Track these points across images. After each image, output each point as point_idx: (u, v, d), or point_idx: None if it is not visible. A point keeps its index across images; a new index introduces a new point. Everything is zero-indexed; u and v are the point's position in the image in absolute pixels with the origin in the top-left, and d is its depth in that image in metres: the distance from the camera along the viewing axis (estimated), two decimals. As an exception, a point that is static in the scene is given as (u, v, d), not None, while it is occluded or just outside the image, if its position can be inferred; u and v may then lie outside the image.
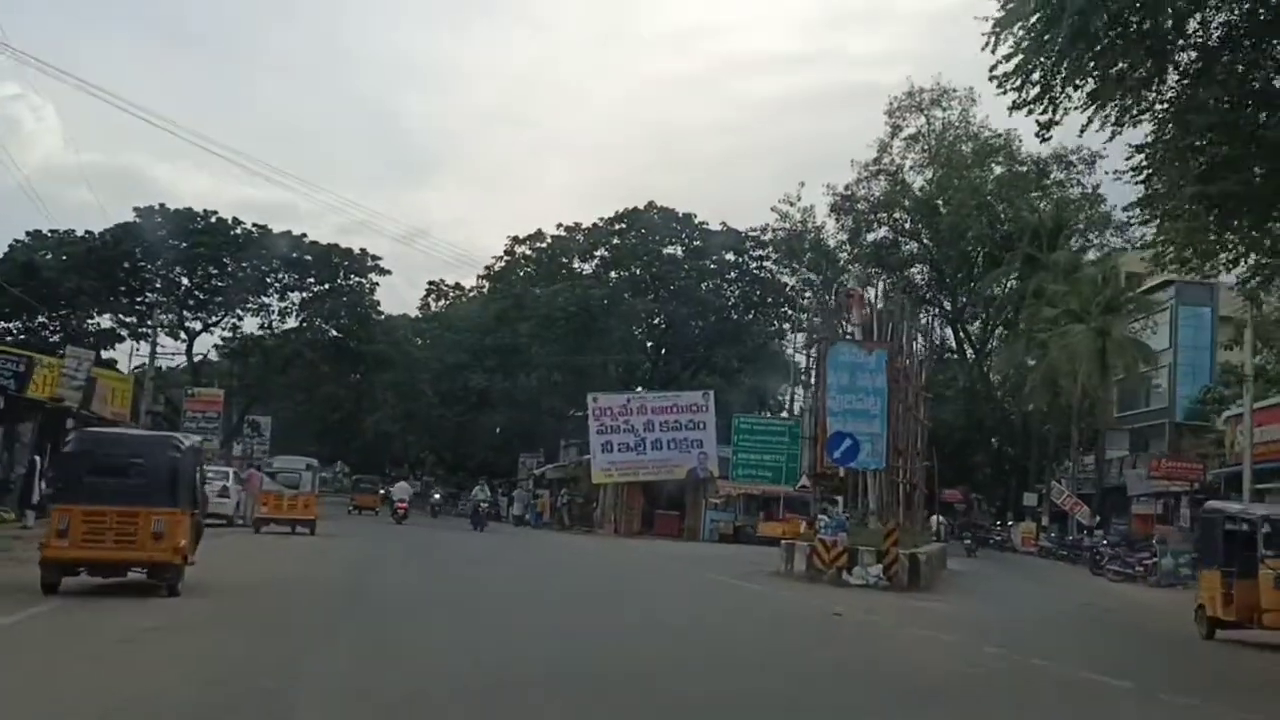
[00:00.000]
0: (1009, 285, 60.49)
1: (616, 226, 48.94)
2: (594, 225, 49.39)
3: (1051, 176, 61.49)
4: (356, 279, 49.33)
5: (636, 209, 48.78)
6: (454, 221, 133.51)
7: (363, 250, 49.03)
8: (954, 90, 64.71)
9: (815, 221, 66.23)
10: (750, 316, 48.50)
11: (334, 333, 50.20)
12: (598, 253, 49.47)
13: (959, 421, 61.17)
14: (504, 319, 54.71)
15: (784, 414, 54.07)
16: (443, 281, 69.55)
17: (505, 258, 50.43)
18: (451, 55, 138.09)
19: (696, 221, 48.56)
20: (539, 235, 49.63)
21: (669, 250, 48.84)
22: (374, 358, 51.02)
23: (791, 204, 60.89)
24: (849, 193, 65.39)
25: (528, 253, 50.34)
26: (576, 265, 50.23)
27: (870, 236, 65.11)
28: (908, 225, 64.49)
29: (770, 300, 49.35)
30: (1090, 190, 59.35)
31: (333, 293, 48.76)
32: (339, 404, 56.10)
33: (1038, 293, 52.86)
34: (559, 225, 49.32)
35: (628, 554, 31.32)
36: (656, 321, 50.15)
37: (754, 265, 49.45)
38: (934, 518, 70.74)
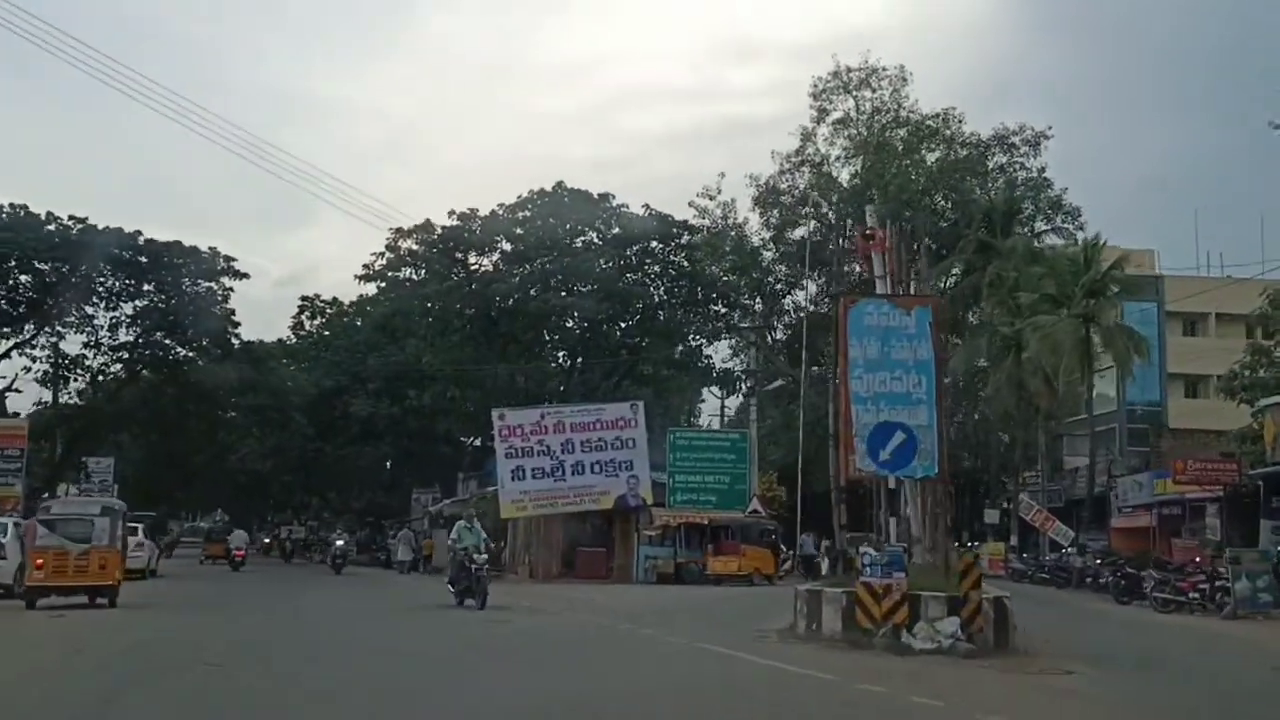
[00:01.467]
0: (952, 279, 54.64)
1: (520, 214, 41.20)
2: (493, 212, 41.67)
3: (992, 160, 55.99)
4: (205, 284, 40.58)
5: (544, 190, 41.22)
6: (337, 260, 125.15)
7: (212, 249, 40.33)
8: (884, 69, 59.32)
9: (737, 217, 59.80)
10: (681, 315, 40.94)
11: (179, 349, 41.31)
12: (499, 244, 41.58)
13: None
14: (388, 329, 46.62)
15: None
16: (318, 297, 60.68)
17: (387, 253, 42.31)
18: (336, 93, 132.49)
19: (615, 204, 41.18)
20: (427, 226, 41.67)
21: (583, 238, 41.18)
22: (231, 380, 42.19)
23: (711, 198, 54.19)
24: (770, 184, 59.34)
25: (414, 247, 42.31)
26: (474, 261, 42.30)
27: (798, 232, 58.83)
28: (833, 219, 58.27)
29: (703, 296, 42.00)
30: (1036, 174, 53.85)
31: (175, 300, 39.87)
32: (193, 439, 46.86)
33: (995, 283, 46.92)
34: (451, 213, 41.57)
35: (553, 612, 23.46)
36: (570, 325, 42.45)
37: (683, 256, 42.28)
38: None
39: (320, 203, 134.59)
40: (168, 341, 40.89)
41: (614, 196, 41.07)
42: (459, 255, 41.59)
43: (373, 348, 50.43)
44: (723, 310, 42.05)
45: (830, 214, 58.17)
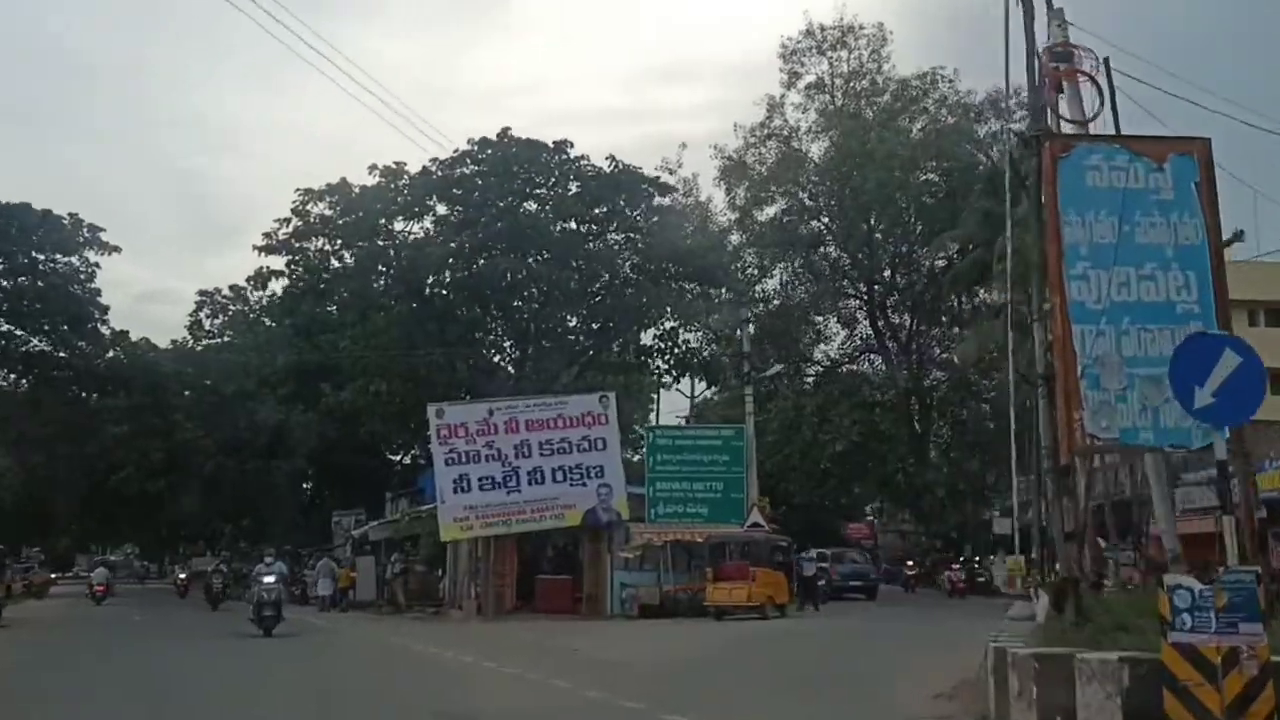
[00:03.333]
0: (952, 256, 48.35)
1: (459, 171, 33.50)
2: (424, 169, 33.91)
3: (985, 128, 49.91)
4: (64, 259, 32.42)
5: (486, 140, 33.55)
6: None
7: (73, 215, 32.13)
8: (861, 28, 53.10)
9: (700, 194, 53.00)
10: (655, 290, 33.55)
11: (33, 339, 33.04)
12: (433, 206, 33.84)
13: (897, 432, 48.39)
14: (298, 316, 38.77)
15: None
16: (218, 292, 52.18)
17: (294, 220, 34.03)
18: (264, 119, 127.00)
19: (573, 156, 33.71)
20: (343, 186, 33.76)
21: (535, 197, 33.50)
22: (106, 378, 34.01)
23: (671, 171, 47.33)
24: (738, 158, 52.65)
25: (326, 212, 34.38)
26: (401, 227, 34.55)
27: (768, 211, 52.21)
28: (807, 200, 51.73)
29: (680, 271, 34.70)
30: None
31: (28, 278, 31.62)
32: (57, 452, 38.27)
33: (1004, 257, 40.48)
34: (372, 168, 33.59)
35: (512, 671, 15.86)
36: (519, 303, 34.73)
37: (654, 221, 34.99)
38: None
39: (249, 224, 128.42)
40: (18, 331, 32.62)
41: (571, 146, 33.89)
42: (383, 221, 33.85)
43: (283, 341, 42.38)
44: (697, 290, 34.90)
45: (803, 195, 51.78)
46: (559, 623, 28.05)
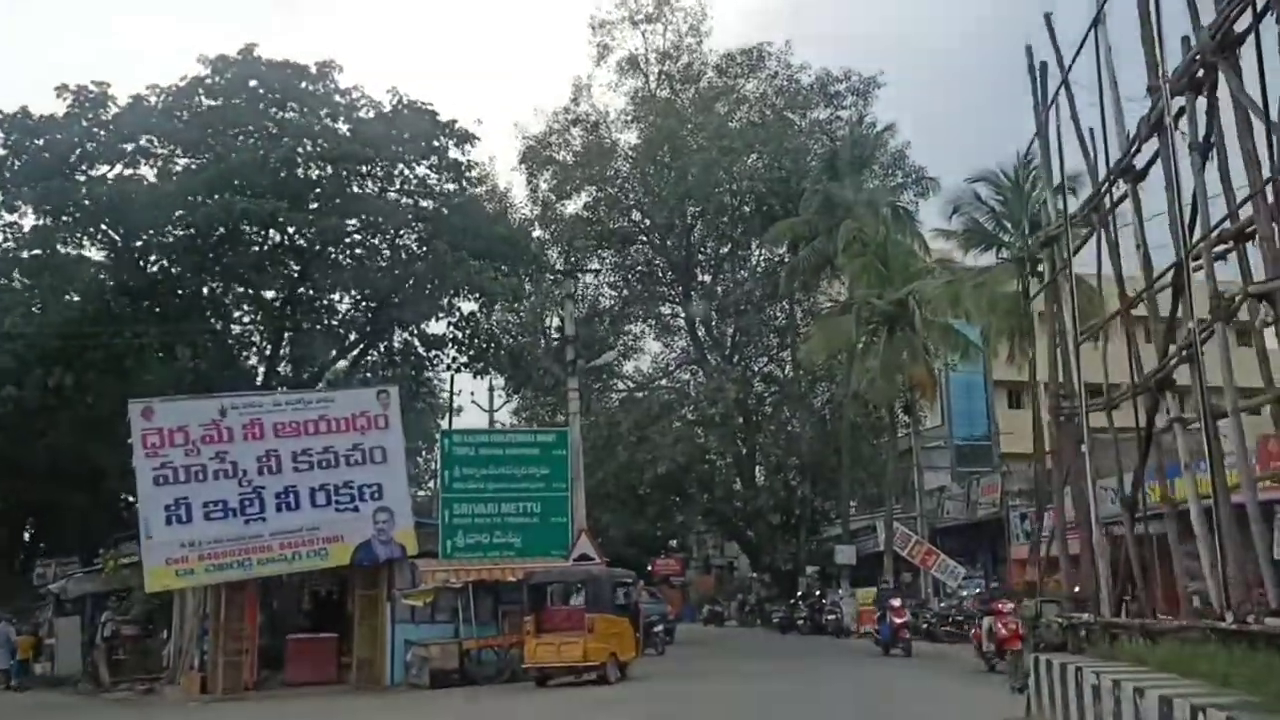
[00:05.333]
0: (782, 254, 43.23)
1: (190, 101, 24.77)
2: (138, 98, 24.88)
3: (812, 114, 45.25)
4: None
5: (227, 58, 24.70)
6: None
7: None
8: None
9: (499, 184, 45.99)
10: (452, 266, 25.53)
11: None
12: (151, 148, 24.71)
13: (724, 450, 42.63)
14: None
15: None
16: None
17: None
18: None
19: (346, 87, 25.68)
20: (20, 120, 24.05)
21: (289, 138, 24.96)
22: None
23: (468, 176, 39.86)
24: (542, 140, 46.10)
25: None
26: (102, 170, 25.00)
27: (569, 207, 45.82)
28: (617, 193, 45.66)
29: (481, 247, 26.92)
30: (865, 125, 43.35)
31: None
32: None
33: (852, 245, 35.50)
34: (61, 90, 23.97)
35: None
36: (270, 272, 26.05)
37: (452, 178, 27.31)
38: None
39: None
40: None
41: (340, 70, 25.75)
42: (76, 161, 24.52)
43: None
44: (504, 271, 27.49)
45: (613, 189, 45.66)
46: (318, 700, 20.33)
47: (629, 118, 47.12)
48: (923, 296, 32.88)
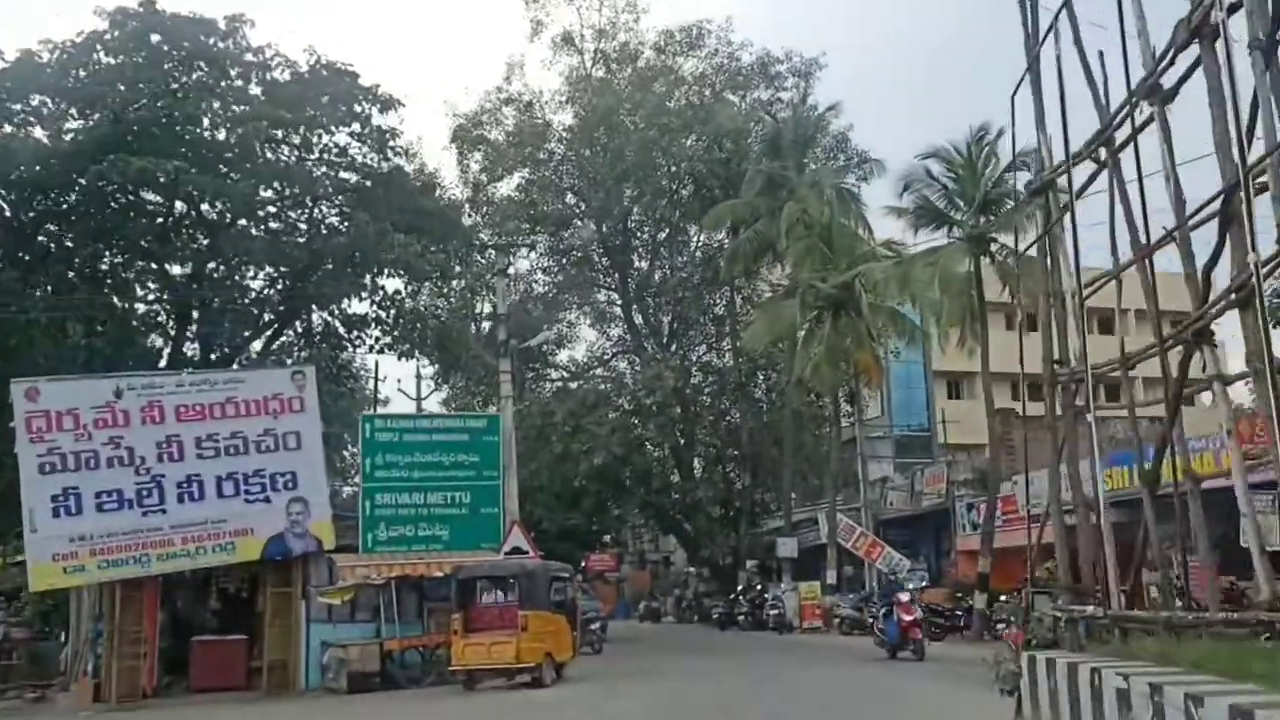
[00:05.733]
0: (722, 240, 41.94)
1: (81, 61, 22.41)
2: (27, 54, 22.53)
3: (751, 94, 44.02)
4: None
5: (126, 10, 22.22)
6: None
7: None
8: (618, -29, 46.05)
9: (428, 164, 43.97)
10: (383, 237, 23.56)
11: None
12: (41, 107, 22.41)
13: (662, 440, 41.25)
14: None
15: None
16: None
17: None
18: None
19: (255, 45, 23.53)
20: None
21: (196, 98, 22.86)
22: None
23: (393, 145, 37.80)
24: (474, 119, 44.29)
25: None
26: None
27: (501, 189, 44.09)
28: (551, 175, 44.06)
29: (407, 222, 25.03)
30: (809, 107, 42.21)
31: None
32: None
33: (795, 228, 34.31)
34: None
35: None
36: (174, 243, 23.76)
37: (374, 146, 25.36)
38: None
39: None
40: None
41: (251, 25, 23.54)
42: None
43: None
44: (432, 248, 25.66)
45: (547, 171, 44.01)
46: (224, 707, 18.56)
47: (564, 98, 45.54)
48: (869, 279, 31.78)
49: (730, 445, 42.08)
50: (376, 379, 29.93)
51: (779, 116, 41.50)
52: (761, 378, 42.83)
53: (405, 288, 26.21)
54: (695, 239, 43.96)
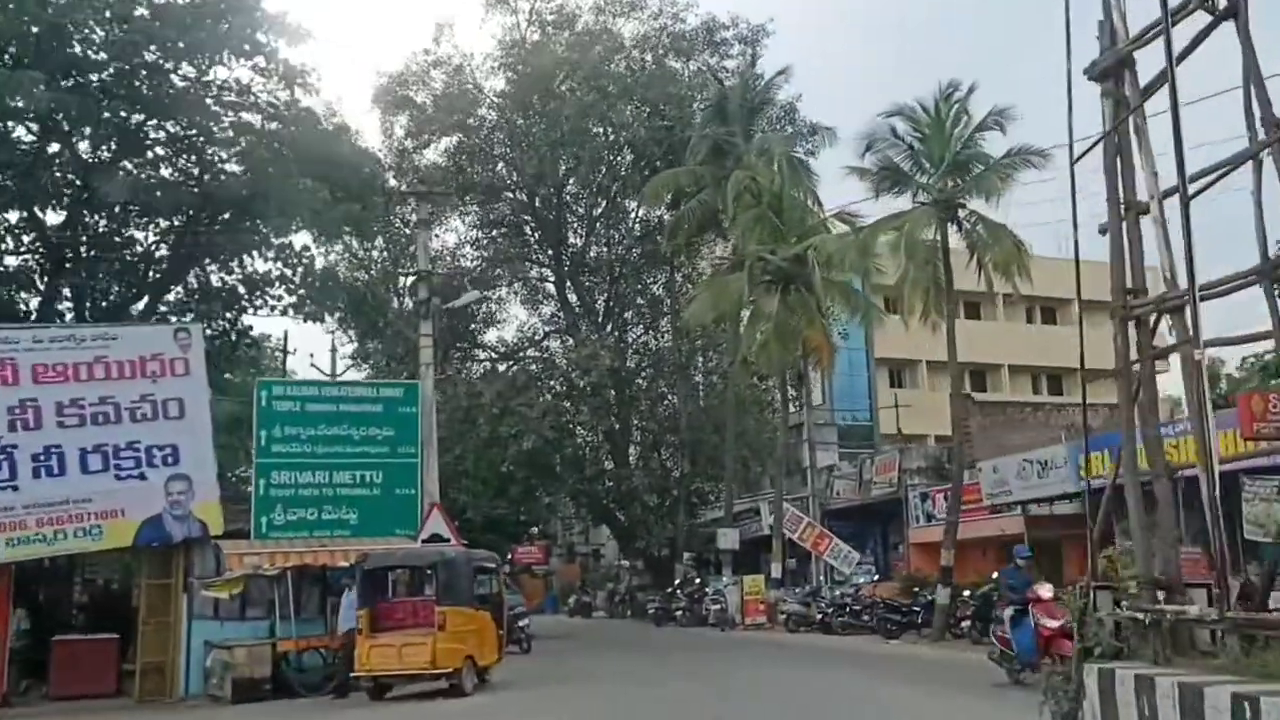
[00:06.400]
0: (661, 214, 39.48)
1: None
2: None
3: (692, 61, 41.56)
4: None
5: None
6: None
7: None
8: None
9: (343, 123, 40.80)
10: (286, 184, 20.61)
11: None
12: None
13: (596, 424, 38.85)
14: None
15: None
16: None
17: None
18: None
19: None
20: None
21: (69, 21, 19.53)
22: None
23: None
24: (399, 79, 41.27)
25: None
26: None
27: (428, 155, 41.14)
28: (483, 145, 41.24)
29: (316, 171, 22.14)
30: (756, 74, 39.88)
31: None
32: None
33: (743, 195, 32.00)
34: None
35: None
36: (44, 186, 20.45)
37: (298, 84, 22.24)
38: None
39: None
40: None
41: None
42: None
43: None
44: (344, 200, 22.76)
45: (477, 139, 41.14)
46: (87, 718, 15.67)
47: (496, 63, 42.62)
48: (823, 251, 29.62)
49: (668, 430, 39.75)
50: (286, 349, 26.60)
51: (726, 82, 39.12)
52: (702, 360, 40.59)
53: (315, 243, 23.31)
54: (635, 214, 41.44)
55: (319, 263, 23.30)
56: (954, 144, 24.56)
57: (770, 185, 31.75)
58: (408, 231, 36.54)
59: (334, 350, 31.36)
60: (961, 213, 24.72)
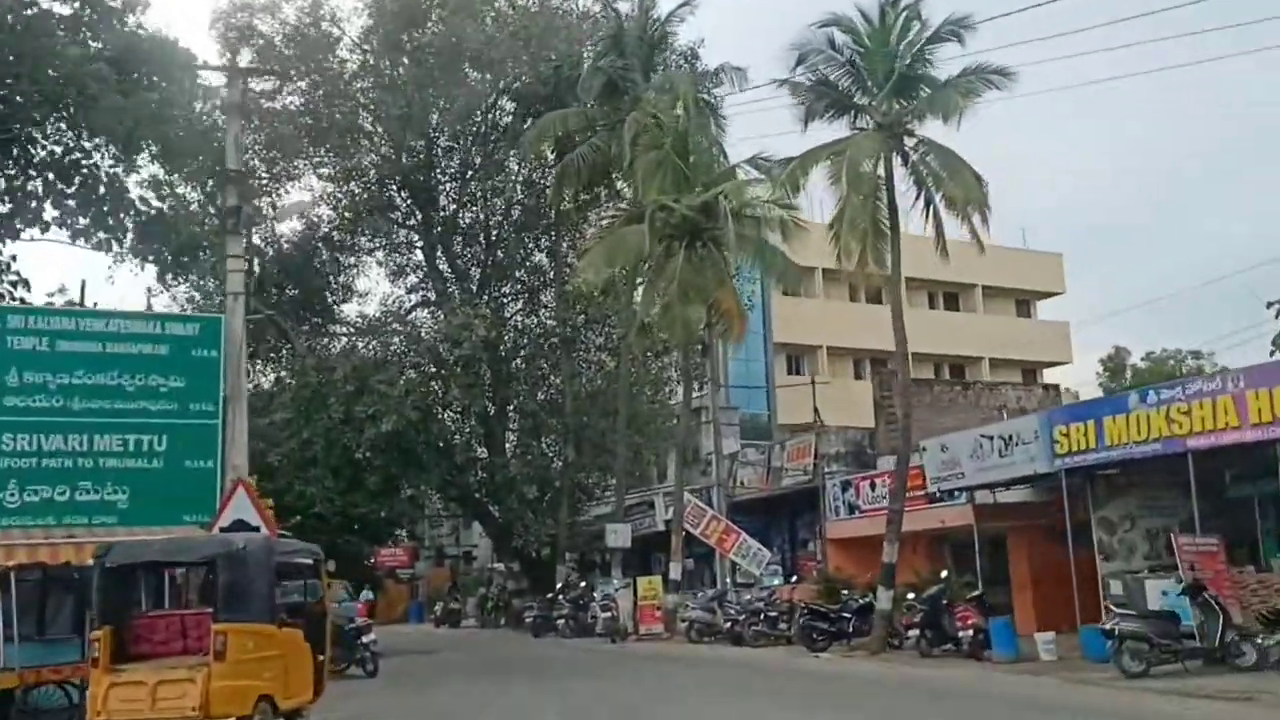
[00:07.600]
0: (549, 165, 34.59)
1: None
2: None
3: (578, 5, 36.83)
4: None
5: None
6: None
7: None
8: None
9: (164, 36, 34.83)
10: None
11: None
12: None
13: (468, 405, 33.91)
14: None
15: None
16: None
17: None
18: None
19: None
20: None
21: None
22: None
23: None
24: (243, 4, 35.46)
25: None
26: None
27: (276, 100, 35.42)
28: (341, 88, 35.77)
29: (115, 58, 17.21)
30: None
31: None
32: None
33: (641, 136, 27.55)
34: None
35: None
36: None
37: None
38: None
39: None
40: None
41: None
42: None
43: None
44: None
45: (339, 82, 35.68)
46: None
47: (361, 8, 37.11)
48: (735, 198, 25.40)
49: (550, 414, 34.99)
50: (82, 296, 20.23)
51: (622, 12, 34.35)
52: (592, 335, 36.00)
53: (103, 146, 17.76)
54: (517, 173, 36.44)
55: (104, 173, 17.73)
56: (901, 58, 20.52)
57: (676, 126, 27.41)
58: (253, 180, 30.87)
59: (149, 295, 25.47)
60: (910, 141, 20.72)
